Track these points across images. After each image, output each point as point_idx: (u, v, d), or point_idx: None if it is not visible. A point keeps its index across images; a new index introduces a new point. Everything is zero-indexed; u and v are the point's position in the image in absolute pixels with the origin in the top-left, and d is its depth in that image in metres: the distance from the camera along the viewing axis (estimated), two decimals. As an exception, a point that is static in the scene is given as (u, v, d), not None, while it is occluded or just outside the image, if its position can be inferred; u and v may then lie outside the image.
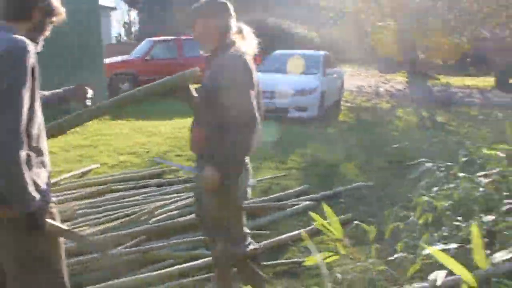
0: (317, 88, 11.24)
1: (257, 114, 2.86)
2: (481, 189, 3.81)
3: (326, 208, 2.35)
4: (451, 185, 3.75)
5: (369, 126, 10.75)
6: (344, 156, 7.85)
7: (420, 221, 3.50)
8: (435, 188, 3.77)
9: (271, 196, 5.97)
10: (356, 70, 25.18)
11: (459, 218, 3.42)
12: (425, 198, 3.50)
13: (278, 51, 13.57)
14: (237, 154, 2.81)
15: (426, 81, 17.66)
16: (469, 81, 20.10)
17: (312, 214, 2.36)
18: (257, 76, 2.99)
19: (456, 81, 20.03)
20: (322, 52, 13.32)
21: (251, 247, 3.19)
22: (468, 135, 6.93)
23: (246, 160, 3.06)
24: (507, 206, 3.77)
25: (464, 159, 4.32)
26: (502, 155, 4.36)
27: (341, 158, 7.74)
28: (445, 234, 3.36)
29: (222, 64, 2.89)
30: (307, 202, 5.73)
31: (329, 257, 2.34)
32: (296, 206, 5.62)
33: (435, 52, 26.64)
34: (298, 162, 7.60)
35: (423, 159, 4.29)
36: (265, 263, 3.92)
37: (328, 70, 12.50)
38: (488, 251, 3.37)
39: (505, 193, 4.11)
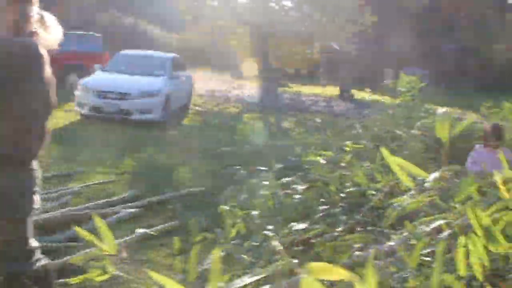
0: (162, 91, 10.88)
1: (45, 110, 2.52)
2: (297, 196, 3.71)
3: (98, 221, 2.02)
4: (266, 192, 3.60)
5: (214, 130, 10.61)
6: (181, 160, 7.58)
7: (233, 231, 3.30)
8: (245, 196, 3.61)
9: (95, 203, 5.52)
10: (211, 74, 25.16)
11: (270, 227, 3.27)
12: (227, 207, 3.30)
13: (123, 51, 13.01)
14: None
15: (277, 88, 18.05)
16: (318, 90, 20.92)
17: (77, 229, 2.01)
18: (49, 70, 2.62)
19: (306, 89, 20.75)
20: (170, 54, 12.99)
21: (39, 264, 2.77)
22: (303, 141, 6.99)
23: (31, 165, 2.65)
24: (322, 213, 3.72)
25: (279, 165, 4.23)
26: (323, 161, 4.34)
27: (177, 162, 7.46)
28: (254, 244, 3.19)
29: (11, 52, 2.48)
30: (132, 210, 5.38)
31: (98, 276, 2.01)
32: (120, 214, 5.24)
33: (287, 61, 27.61)
34: (132, 166, 7.20)
35: (238, 166, 4.14)
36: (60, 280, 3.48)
37: (176, 73, 12.19)
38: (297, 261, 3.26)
39: (322, 200, 4.07)
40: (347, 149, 4.72)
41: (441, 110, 2.30)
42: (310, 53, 27.87)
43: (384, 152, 1.90)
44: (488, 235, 1.81)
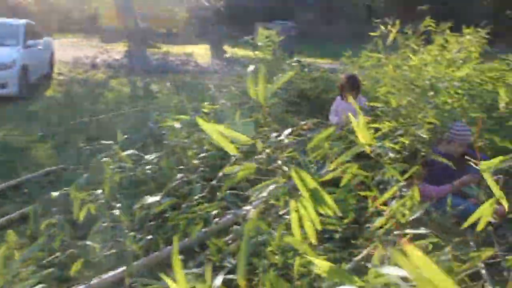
0: (16, 61, 10.00)
1: None
2: (149, 166, 3.49)
3: None
4: (113, 166, 3.34)
5: (79, 100, 9.98)
6: (41, 137, 7.04)
7: (81, 214, 3.03)
8: (85, 174, 3.34)
9: None
10: (77, 40, 23.83)
11: (119, 205, 3.04)
12: (56, 193, 3.03)
13: (-34, 20, 11.77)
14: None
15: (145, 50, 17.41)
16: (189, 48, 20.49)
17: None
18: None
19: (177, 49, 20.24)
20: (22, 21, 11.92)
21: None
22: (167, 105, 6.71)
23: None
24: (178, 182, 3.54)
25: (125, 136, 3.96)
26: (178, 126, 4.14)
27: (36, 140, 6.91)
28: (104, 224, 2.96)
29: None
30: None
31: None
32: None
33: (157, 21, 26.81)
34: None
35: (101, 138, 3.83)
36: None
37: (32, 41, 11.23)
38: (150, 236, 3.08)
39: (181, 166, 3.90)
40: (205, 110, 4.55)
41: (250, 68, 2.17)
42: (180, 12, 27.26)
43: (200, 121, 1.74)
44: (316, 196, 1.71)
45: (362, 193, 3.48)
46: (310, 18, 25.68)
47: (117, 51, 18.52)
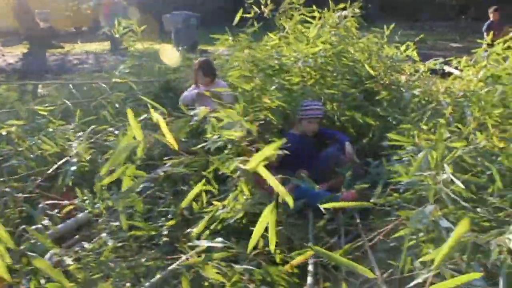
0: None
1: None
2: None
3: None
4: None
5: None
6: None
7: None
8: None
9: None
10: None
11: None
12: None
13: None
14: None
15: (44, 51, 16.54)
16: (88, 46, 19.67)
17: None
18: None
19: (80, 47, 19.41)
20: None
21: None
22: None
23: None
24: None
25: None
26: (4, 133, 3.77)
27: None
28: None
29: None
30: None
31: None
32: None
33: (62, 20, 25.63)
34: None
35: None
36: None
37: None
38: None
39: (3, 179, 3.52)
40: (43, 113, 4.19)
41: None
42: (88, 8, 26.16)
43: None
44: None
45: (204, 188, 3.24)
46: (218, 6, 25.34)
47: (15, 54, 17.56)
